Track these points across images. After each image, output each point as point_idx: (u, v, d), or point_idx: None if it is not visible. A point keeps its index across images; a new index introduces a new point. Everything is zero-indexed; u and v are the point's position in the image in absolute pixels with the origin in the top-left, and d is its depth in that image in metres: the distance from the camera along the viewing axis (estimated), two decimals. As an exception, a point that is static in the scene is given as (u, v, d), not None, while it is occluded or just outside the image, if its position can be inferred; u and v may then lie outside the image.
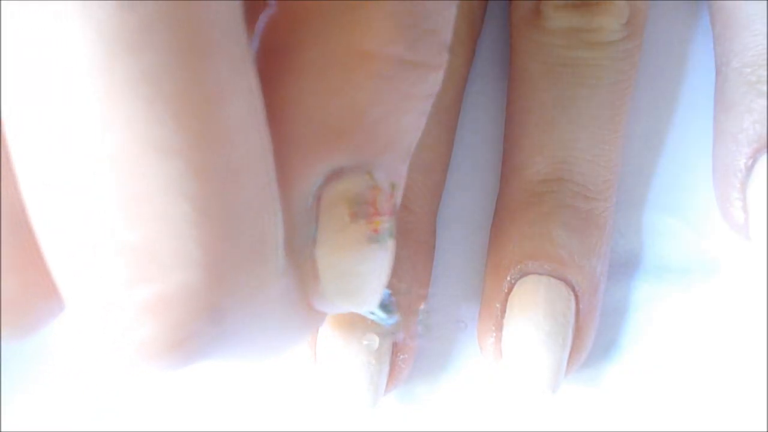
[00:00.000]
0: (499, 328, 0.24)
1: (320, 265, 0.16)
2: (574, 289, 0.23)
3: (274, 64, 0.16)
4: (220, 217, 0.13)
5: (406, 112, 0.16)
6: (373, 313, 0.20)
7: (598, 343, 0.25)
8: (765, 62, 0.24)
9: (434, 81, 0.17)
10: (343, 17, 0.16)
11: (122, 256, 0.13)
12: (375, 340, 0.23)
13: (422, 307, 0.23)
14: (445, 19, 0.17)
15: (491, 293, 0.24)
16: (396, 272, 0.23)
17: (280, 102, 0.16)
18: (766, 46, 0.24)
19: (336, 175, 0.16)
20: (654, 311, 0.25)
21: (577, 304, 0.23)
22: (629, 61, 0.25)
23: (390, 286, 0.23)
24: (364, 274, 0.17)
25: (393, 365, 0.23)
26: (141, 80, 0.12)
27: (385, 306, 0.20)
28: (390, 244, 0.17)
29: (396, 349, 0.23)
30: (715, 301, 0.25)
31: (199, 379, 0.25)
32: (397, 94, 0.16)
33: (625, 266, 0.25)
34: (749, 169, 0.24)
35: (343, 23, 0.16)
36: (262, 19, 0.17)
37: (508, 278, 0.24)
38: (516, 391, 0.23)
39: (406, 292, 0.23)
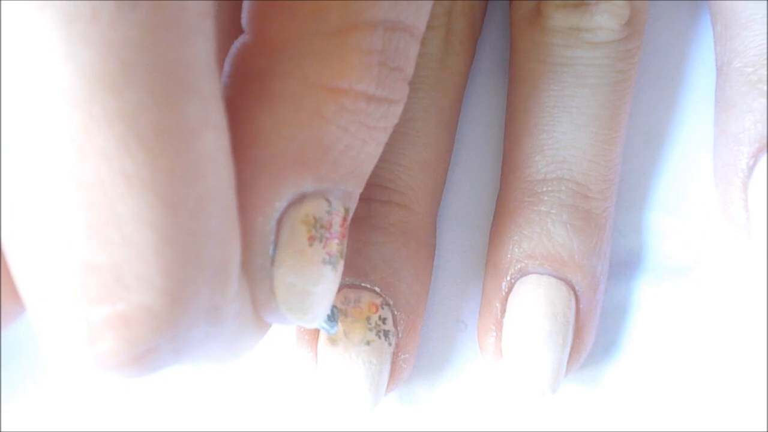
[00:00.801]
0: (499, 327, 0.24)
1: (277, 284, 0.17)
2: (574, 289, 0.23)
3: (246, 90, 0.17)
4: (184, 245, 0.14)
5: (368, 143, 0.18)
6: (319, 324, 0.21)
7: (598, 343, 0.25)
8: (766, 62, 0.24)
9: (395, 114, 0.18)
10: (318, 53, 0.17)
11: (88, 276, 0.13)
12: (376, 340, 0.23)
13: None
14: (410, 57, 0.18)
15: (491, 293, 0.24)
16: (397, 272, 0.23)
17: (251, 128, 0.17)
18: (767, 46, 0.24)
19: (298, 200, 0.17)
20: (654, 311, 0.25)
21: (577, 303, 0.23)
22: (629, 61, 0.25)
23: (391, 285, 0.23)
24: (317, 293, 0.18)
25: (394, 365, 0.23)
26: (117, 117, 0.13)
27: (328, 317, 0.21)
28: (340, 265, 0.18)
29: (397, 349, 0.23)
30: (716, 300, 0.25)
31: (199, 380, 0.25)
32: (362, 126, 0.17)
33: (625, 266, 0.26)
34: (750, 168, 0.24)
35: (317, 59, 0.17)
36: (236, 45, 0.18)
37: (508, 278, 0.24)
38: (516, 391, 0.23)
39: (407, 291, 0.23)
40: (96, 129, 0.12)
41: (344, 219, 0.18)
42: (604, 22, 0.24)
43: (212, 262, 0.14)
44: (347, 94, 0.17)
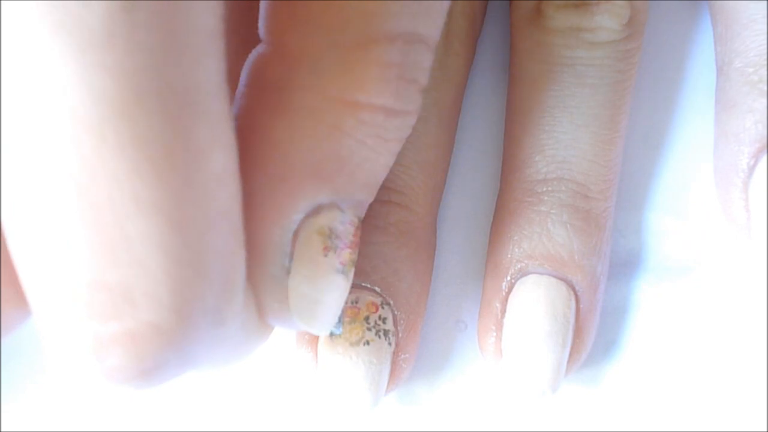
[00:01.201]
0: (499, 327, 0.24)
1: (291, 294, 0.18)
2: (574, 289, 0.23)
3: (264, 101, 0.17)
4: (192, 264, 0.14)
5: (383, 155, 0.18)
6: None
7: (598, 343, 0.25)
8: (766, 62, 0.24)
9: (410, 124, 0.18)
10: (337, 66, 0.17)
11: (96, 294, 0.13)
12: (376, 340, 0.23)
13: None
14: (426, 68, 0.18)
15: (491, 293, 0.24)
16: (397, 272, 0.23)
17: (269, 140, 0.17)
18: (767, 46, 0.24)
19: (314, 211, 0.17)
20: (654, 311, 0.25)
21: (577, 303, 0.23)
22: (630, 61, 0.25)
23: (391, 285, 0.23)
24: (329, 301, 0.18)
25: (394, 365, 0.23)
26: (129, 142, 0.13)
27: None
28: (351, 273, 0.19)
29: (397, 349, 0.23)
30: (716, 300, 0.25)
31: (199, 380, 0.25)
32: (379, 139, 0.17)
33: (625, 266, 0.26)
34: (751, 168, 0.24)
35: (337, 72, 0.17)
36: (253, 55, 0.18)
37: (508, 278, 0.24)
38: (516, 391, 0.23)
39: (407, 291, 0.23)
40: (107, 153, 0.13)
41: (357, 228, 0.19)
42: (605, 22, 0.24)
43: (219, 278, 0.15)
44: (366, 108, 0.17)
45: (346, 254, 0.18)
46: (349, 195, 0.18)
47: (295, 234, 0.17)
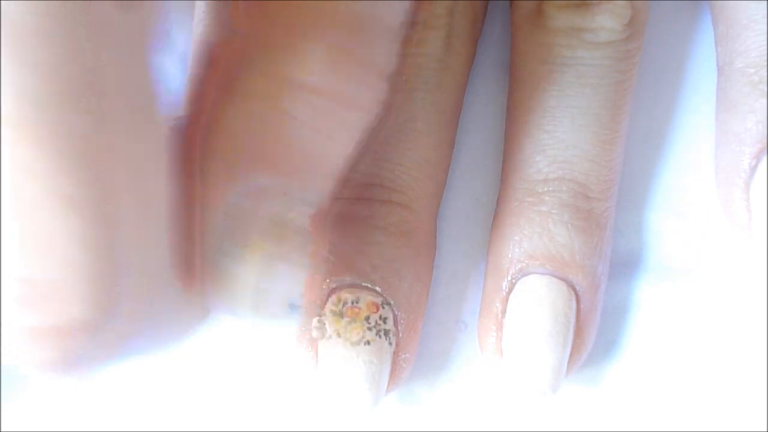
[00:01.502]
0: (500, 327, 0.24)
1: (237, 281, 0.17)
2: (574, 289, 0.23)
3: (215, 82, 0.17)
4: (115, 261, 0.14)
5: (339, 142, 0.17)
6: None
7: (598, 343, 0.25)
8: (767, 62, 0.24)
9: (372, 112, 0.18)
10: (284, 48, 0.17)
11: (26, 288, 0.14)
12: (376, 340, 0.23)
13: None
14: (389, 54, 0.18)
15: (491, 293, 0.24)
16: (397, 272, 0.23)
17: (217, 121, 0.17)
18: (768, 46, 0.24)
19: (263, 196, 0.17)
20: (654, 311, 0.25)
21: (577, 303, 0.23)
22: (630, 61, 0.25)
23: (391, 285, 0.23)
24: (276, 291, 0.18)
25: (394, 365, 0.23)
26: (50, 140, 0.13)
27: (289, 310, 0.21)
28: (305, 262, 0.18)
29: (398, 349, 0.23)
30: (716, 301, 0.25)
31: (199, 379, 0.25)
32: (333, 125, 0.17)
33: (625, 266, 0.26)
34: (753, 169, 0.24)
35: (283, 54, 0.17)
36: (204, 35, 0.18)
37: (509, 278, 0.24)
38: (516, 391, 0.23)
39: (408, 291, 0.23)
40: (32, 150, 0.13)
41: (311, 217, 0.18)
42: (606, 22, 0.24)
43: (142, 272, 0.15)
44: (310, 89, 0.17)
45: (297, 242, 0.18)
46: (300, 181, 0.17)
47: (244, 219, 0.17)
